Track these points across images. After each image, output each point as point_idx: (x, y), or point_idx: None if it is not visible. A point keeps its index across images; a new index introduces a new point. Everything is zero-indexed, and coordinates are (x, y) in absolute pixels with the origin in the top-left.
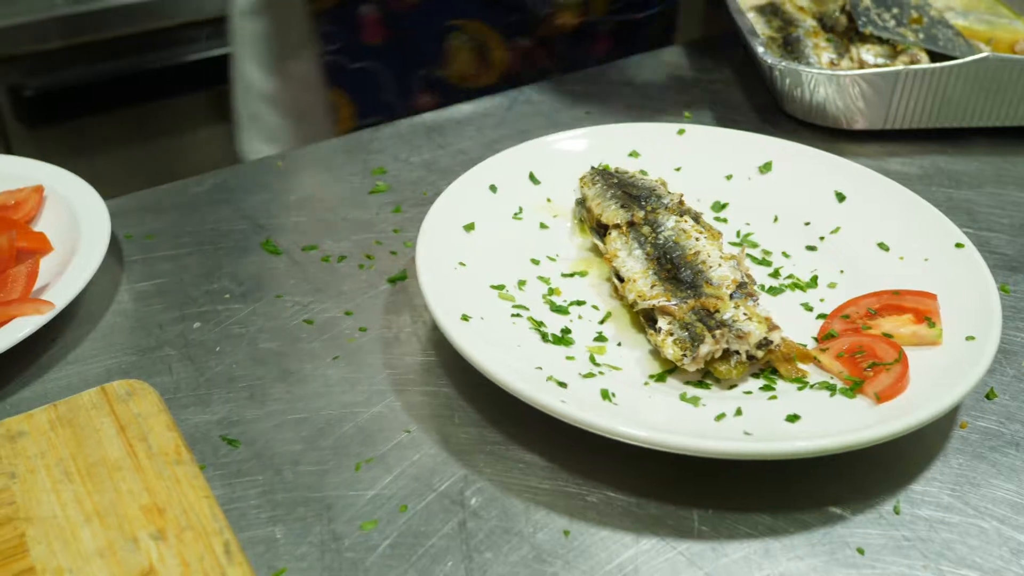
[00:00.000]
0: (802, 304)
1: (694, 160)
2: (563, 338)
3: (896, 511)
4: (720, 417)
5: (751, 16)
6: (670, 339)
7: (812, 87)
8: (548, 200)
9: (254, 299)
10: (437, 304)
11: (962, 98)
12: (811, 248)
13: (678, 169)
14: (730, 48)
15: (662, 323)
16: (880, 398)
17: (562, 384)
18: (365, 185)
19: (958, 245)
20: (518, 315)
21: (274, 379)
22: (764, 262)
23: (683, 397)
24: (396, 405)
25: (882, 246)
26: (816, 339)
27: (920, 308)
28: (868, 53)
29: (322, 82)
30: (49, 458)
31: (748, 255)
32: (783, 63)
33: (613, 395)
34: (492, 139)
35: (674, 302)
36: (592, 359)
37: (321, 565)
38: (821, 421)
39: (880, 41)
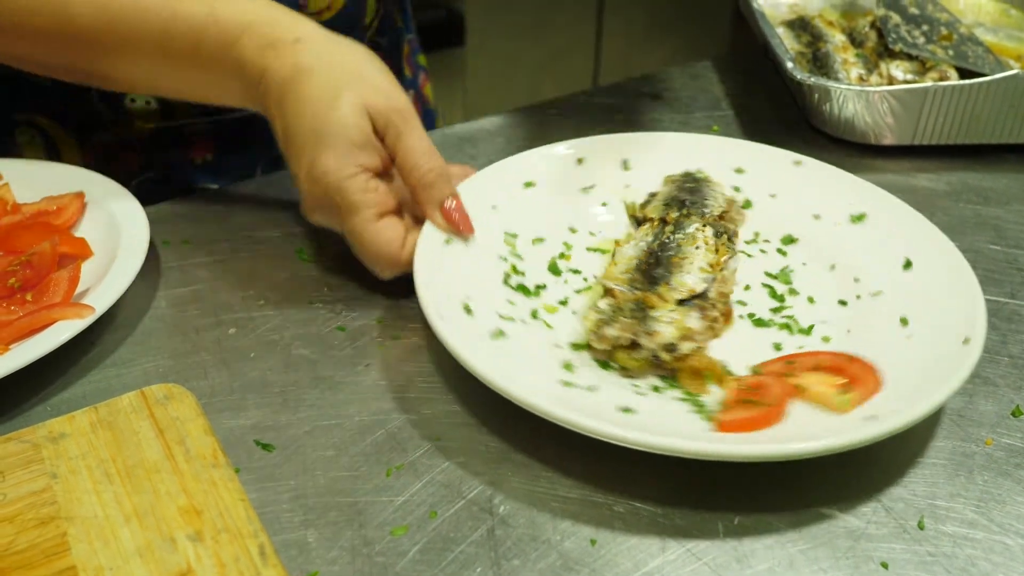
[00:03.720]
0: (774, 343)
1: (790, 190)
2: (533, 291)
3: (920, 526)
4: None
5: (780, 31)
6: (595, 315)
7: (841, 102)
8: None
9: (287, 306)
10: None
11: (991, 115)
12: (842, 303)
13: (773, 196)
14: (759, 62)
15: (602, 303)
16: (720, 426)
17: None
18: None
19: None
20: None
21: (307, 385)
22: (777, 297)
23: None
24: (426, 413)
25: (904, 321)
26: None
27: (856, 378)
28: (897, 69)
29: None
30: (90, 459)
31: (767, 285)
32: (812, 78)
33: (630, 410)
34: (521, 150)
35: (623, 288)
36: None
37: (352, 569)
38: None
39: (909, 57)
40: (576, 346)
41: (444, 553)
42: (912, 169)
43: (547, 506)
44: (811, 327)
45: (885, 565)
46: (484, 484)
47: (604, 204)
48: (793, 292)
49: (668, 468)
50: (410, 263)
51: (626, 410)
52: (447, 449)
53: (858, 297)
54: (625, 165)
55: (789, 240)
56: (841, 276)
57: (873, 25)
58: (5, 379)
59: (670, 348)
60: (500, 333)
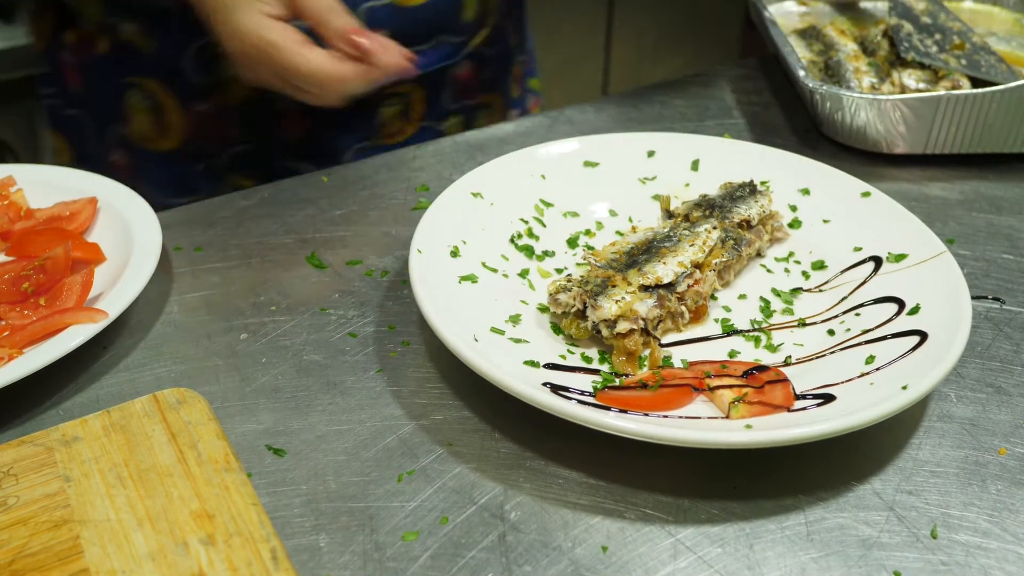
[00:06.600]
0: (731, 350)
1: (844, 219)
2: (539, 255)
3: (934, 535)
4: None
5: (792, 40)
6: (563, 280)
7: (853, 111)
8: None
9: (299, 312)
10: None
11: (1003, 124)
12: (830, 332)
13: (826, 222)
14: (770, 71)
15: (576, 272)
16: (597, 395)
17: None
18: (408, 202)
19: None
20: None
21: (318, 390)
22: (767, 312)
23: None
24: (437, 418)
25: (869, 360)
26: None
27: (766, 393)
28: (910, 78)
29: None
30: (103, 463)
31: (764, 300)
32: (824, 87)
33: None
34: None
35: (600, 265)
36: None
37: (364, 574)
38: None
39: (922, 66)
40: (542, 308)
41: (455, 559)
42: (924, 178)
43: (559, 512)
44: (780, 345)
45: (898, 574)
46: (495, 490)
47: (656, 197)
48: (788, 311)
49: (681, 476)
50: (357, 78)
51: (531, 363)
52: (458, 455)
53: (848, 330)
54: (695, 165)
55: (819, 266)
56: (845, 307)
57: (885, 34)
58: (19, 383)
59: (610, 324)
60: (472, 277)
